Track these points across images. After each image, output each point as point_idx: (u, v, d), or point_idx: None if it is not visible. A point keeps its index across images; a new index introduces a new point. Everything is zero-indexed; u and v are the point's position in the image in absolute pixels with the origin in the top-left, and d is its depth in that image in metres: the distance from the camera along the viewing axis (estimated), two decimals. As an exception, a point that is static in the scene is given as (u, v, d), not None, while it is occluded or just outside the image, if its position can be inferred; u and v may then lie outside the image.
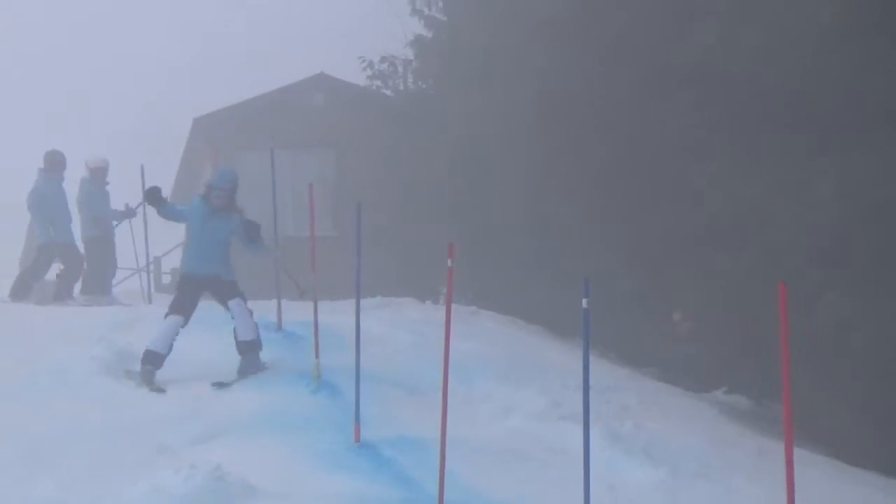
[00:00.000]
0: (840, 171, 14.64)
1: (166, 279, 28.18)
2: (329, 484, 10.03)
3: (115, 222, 19.58)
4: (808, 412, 12.47)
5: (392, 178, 25.06)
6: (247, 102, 29.69)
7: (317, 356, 13.42)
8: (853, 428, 14.46)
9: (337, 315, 14.26)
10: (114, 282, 20.08)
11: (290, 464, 10.42)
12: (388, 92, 27.92)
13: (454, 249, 9.99)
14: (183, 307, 12.99)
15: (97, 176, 19.33)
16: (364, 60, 27.69)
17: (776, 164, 15.51)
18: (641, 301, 18.05)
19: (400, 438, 11.28)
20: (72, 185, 19.26)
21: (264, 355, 13.56)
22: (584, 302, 8.40)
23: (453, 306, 10.15)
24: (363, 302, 12.06)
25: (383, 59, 27.67)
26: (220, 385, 12.83)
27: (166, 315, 13.01)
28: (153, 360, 12.74)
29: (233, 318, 13.14)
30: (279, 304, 15.82)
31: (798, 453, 7.57)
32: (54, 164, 19.02)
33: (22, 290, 18.88)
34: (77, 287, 19.17)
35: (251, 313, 13.35)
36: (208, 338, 13.58)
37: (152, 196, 13.24)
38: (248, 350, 13.13)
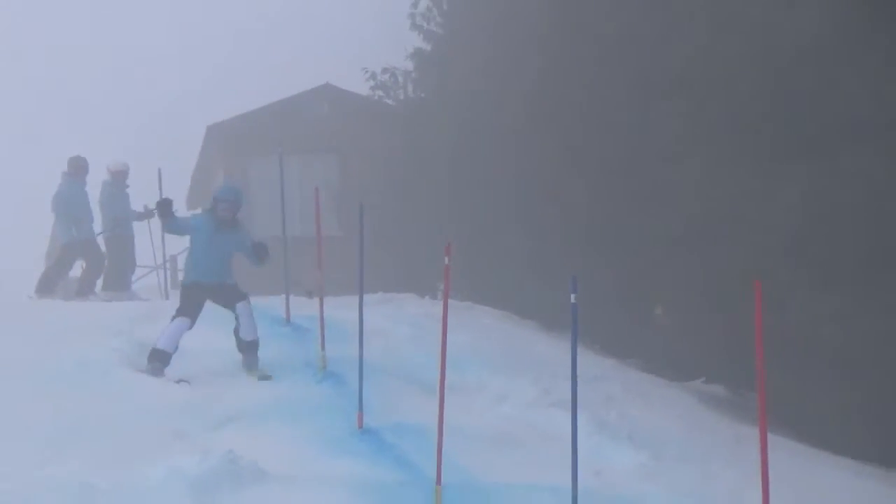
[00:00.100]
0: (807, 176, 14.67)
1: (181, 276, 28.16)
2: (334, 467, 10.03)
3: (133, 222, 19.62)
4: (782, 401, 12.46)
5: (393, 181, 25.05)
6: (257, 111, 29.66)
7: (322, 348, 13.46)
8: (825, 415, 14.47)
9: (341, 310, 14.25)
10: (133, 278, 20.08)
11: (298, 448, 10.43)
12: (389, 101, 27.92)
13: (451, 249, 10.00)
14: (189, 311, 13.00)
15: (118, 179, 19.39)
16: (367, 72, 27.74)
17: (749, 170, 15.53)
18: (625, 297, 18.03)
19: (400, 425, 11.26)
20: (93, 187, 19.29)
21: (274, 347, 13.57)
22: (572, 297, 8.41)
23: (450, 301, 10.16)
24: (366, 297, 12.06)
25: (385, 71, 27.70)
26: (266, 378, 12.92)
27: (173, 318, 13.00)
28: (161, 357, 12.75)
29: (237, 318, 13.13)
30: (287, 299, 15.83)
31: (772, 439, 7.58)
32: (77, 168, 19.06)
33: (47, 286, 18.91)
34: (99, 283, 19.20)
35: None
36: (219, 334, 13.56)
37: (163, 209, 13.21)
38: (251, 349, 13.15)
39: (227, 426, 10.96)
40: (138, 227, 19.83)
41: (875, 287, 14.08)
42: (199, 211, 31.13)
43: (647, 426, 12.48)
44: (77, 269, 19.40)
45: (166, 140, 39.38)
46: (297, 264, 14.84)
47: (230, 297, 13.18)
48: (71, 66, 54.42)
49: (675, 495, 10.13)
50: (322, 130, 28.22)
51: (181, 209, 30.88)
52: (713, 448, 12.52)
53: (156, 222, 19.77)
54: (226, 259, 13.31)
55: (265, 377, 12.93)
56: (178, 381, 12.59)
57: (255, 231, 14.01)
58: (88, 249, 19.06)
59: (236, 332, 13.17)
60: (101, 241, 19.16)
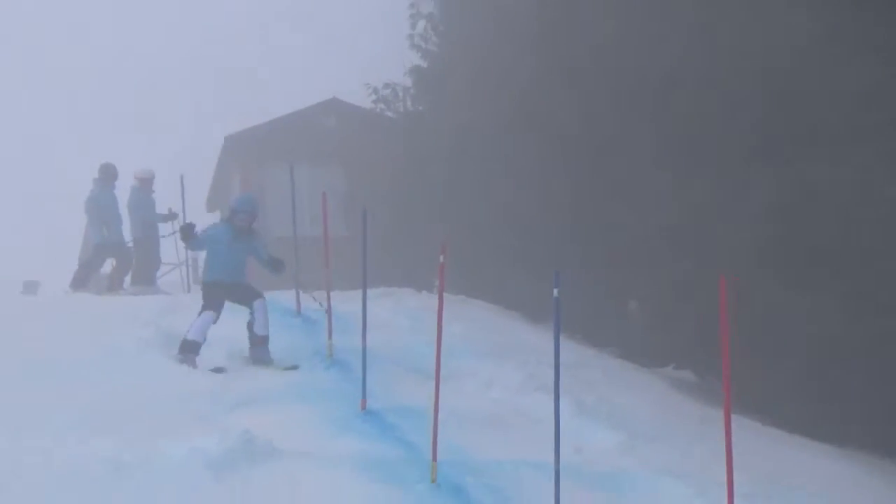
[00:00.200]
0: (770, 184, 14.71)
1: (202, 273, 28.12)
2: (340, 445, 10.02)
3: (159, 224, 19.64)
4: (745, 385, 12.46)
5: (393, 187, 25.04)
6: (270, 122, 29.63)
7: (330, 338, 13.47)
8: (784, 399, 14.50)
9: (346, 303, 14.26)
10: (158, 274, 20.07)
11: (308, 428, 10.42)
12: (390, 114, 27.88)
13: (446, 248, 10.01)
14: (213, 305, 13.00)
15: (145, 185, 19.40)
16: (370, 87, 27.71)
17: (716, 178, 15.59)
18: (603, 291, 18.05)
19: (400, 407, 11.26)
20: (122, 192, 19.32)
21: (286, 337, 13.57)
22: (555, 292, 8.41)
23: (445, 295, 10.16)
24: (369, 292, 12.02)
25: (386, 86, 27.68)
26: (293, 368, 12.90)
27: (200, 312, 13.01)
28: (192, 347, 12.74)
29: (252, 314, 13.13)
30: (298, 294, 15.83)
31: (735, 420, 7.59)
32: (108, 175, 19.04)
33: (81, 282, 18.91)
34: (127, 279, 19.20)
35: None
36: (235, 327, 13.55)
37: (186, 232, 13.22)
38: (262, 343, 13.13)
39: (243, 408, 10.95)
40: (162, 228, 19.83)
41: (832, 284, 14.12)
42: (216, 216, 31.35)
43: (623, 408, 12.50)
44: (107, 267, 19.39)
45: (187, 148, 39.31)
46: (308, 261, 14.80)
47: (247, 295, 13.18)
48: (105, 80, 54.40)
49: (648, 470, 10.13)
50: (329, 140, 28.18)
51: (201, 210, 31.08)
52: (683, 428, 12.54)
53: (178, 224, 19.84)
54: (242, 263, 13.33)
55: (291, 368, 12.93)
56: (215, 369, 12.59)
57: (270, 231, 14.01)
58: (118, 249, 19.08)
59: (250, 326, 13.15)
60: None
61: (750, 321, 13.57)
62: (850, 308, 13.88)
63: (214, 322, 12.96)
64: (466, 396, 11.95)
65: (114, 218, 18.99)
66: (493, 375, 12.95)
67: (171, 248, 20.59)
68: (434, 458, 9.28)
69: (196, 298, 14.11)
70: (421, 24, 26.18)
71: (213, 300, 13.04)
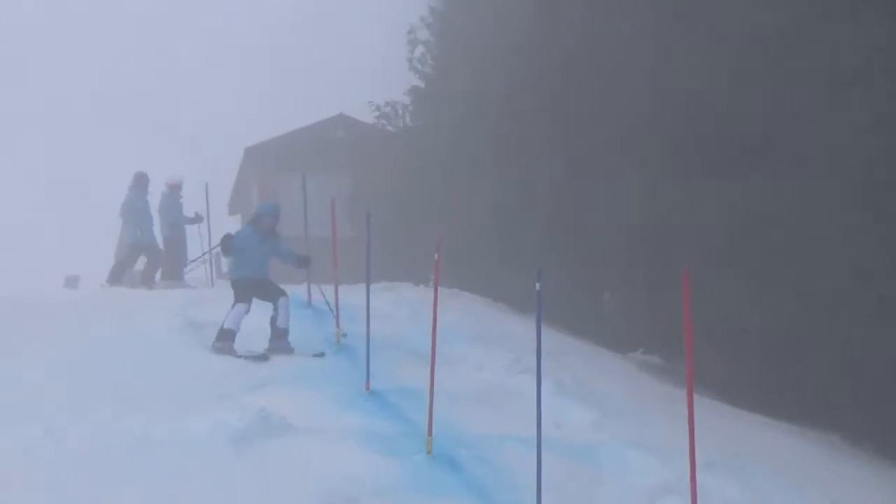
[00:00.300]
0: (725, 191, 14.76)
1: (225, 269, 28.08)
2: (346, 421, 10.04)
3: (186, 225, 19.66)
4: (706, 368, 12.50)
5: (394, 193, 25.04)
6: (284, 135, 29.62)
7: (337, 326, 13.48)
8: (742, 380, 14.52)
9: (352, 295, 14.25)
10: (185, 270, 20.07)
11: (317, 406, 10.42)
12: (391, 128, 27.86)
13: (440, 246, 10.03)
14: (245, 298, 12.96)
15: (174, 190, 19.42)
16: (373, 104, 27.68)
17: (678, 186, 15.65)
18: (580, 285, 18.08)
19: (399, 388, 11.27)
20: (154, 197, 19.36)
21: (298, 326, 13.55)
22: (538, 286, 8.43)
23: (440, 289, 10.17)
24: (372, 286, 12.06)
25: (387, 104, 27.66)
26: (320, 355, 12.88)
27: (234, 305, 12.97)
28: (228, 336, 12.70)
29: (276, 309, 13.09)
30: (309, 287, 15.83)
31: (697, 399, 7.60)
32: (140, 182, 19.08)
33: (117, 277, 18.93)
34: (158, 275, 19.20)
35: None
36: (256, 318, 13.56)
37: (226, 245, 13.20)
38: (283, 336, 13.08)
39: (260, 389, 10.94)
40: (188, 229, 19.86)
41: (782, 279, 14.15)
42: (237, 219, 31.36)
43: (597, 388, 12.50)
44: (140, 264, 19.39)
45: (210, 158, 39.24)
46: (318, 259, 14.78)
47: (273, 293, 13.15)
48: (143, 99, 54.28)
49: (619, 443, 10.14)
50: (337, 151, 28.13)
51: (223, 214, 31.07)
52: (650, 405, 12.56)
53: (203, 226, 19.85)
54: (266, 261, 13.32)
55: (319, 355, 12.91)
56: (256, 357, 12.57)
57: (284, 231, 13.96)
58: (149, 248, 19.11)
59: (273, 320, 13.10)
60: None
61: (710, 311, 13.60)
62: (799, 299, 13.90)
63: (247, 313, 12.93)
64: (459, 378, 11.96)
65: (146, 220, 19.03)
66: (483, 360, 12.96)
67: (196, 246, 20.56)
68: (430, 433, 9.31)
69: (219, 292, 14.13)
70: (418, 49, 26.20)
71: (244, 294, 13.03)
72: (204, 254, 20.29)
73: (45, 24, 56.95)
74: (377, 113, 27.83)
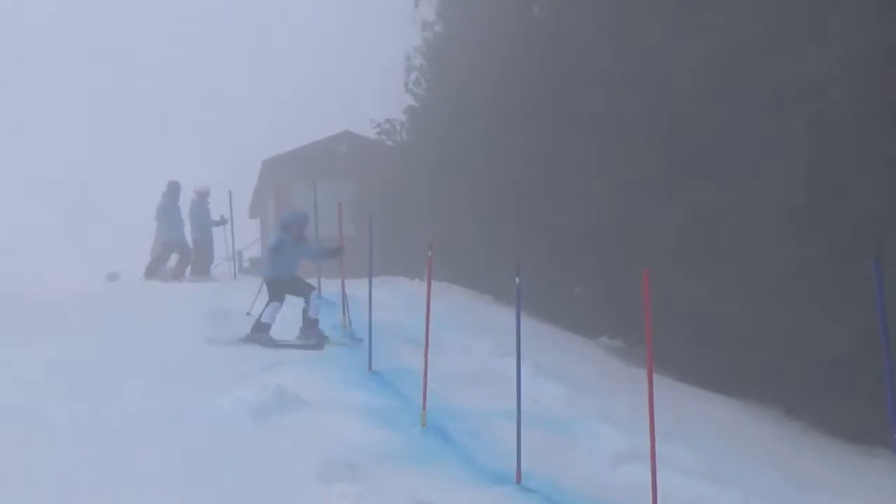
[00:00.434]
0: (684, 194, 14.74)
1: (246, 265, 28.05)
2: (352, 397, 10.03)
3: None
4: (664, 352, 12.47)
5: (392, 198, 25.10)
6: (297, 149, 29.53)
7: (344, 314, 13.48)
8: (694, 361, 14.51)
9: (356, 288, 14.22)
10: (212, 266, 20.06)
11: (327, 384, 10.42)
12: (389, 143, 27.96)
13: (433, 245, 10.03)
14: (278, 297, 12.85)
15: (202, 196, 19.44)
16: (374, 121, 27.86)
17: (640, 190, 15.65)
18: (554, 279, 18.08)
19: (398, 368, 11.28)
20: (185, 202, 19.37)
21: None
22: (517, 280, 8.42)
23: (432, 282, 10.18)
24: (374, 279, 12.06)
25: (386, 121, 27.84)
26: (359, 340, 12.80)
27: (268, 303, 12.85)
28: (265, 328, 12.61)
29: (307, 303, 12.98)
30: (319, 280, 15.77)
31: (656, 378, 7.59)
32: (173, 189, 19.18)
33: (152, 272, 18.95)
34: (188, 270, 19.22)
35: None
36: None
37: (276, 251, 13.11)
38: (314, 324, 12.96)
39: (276, 369, 10.92)
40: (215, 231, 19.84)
41: (730, 274, 14.15)
42: (256, 221, 31.30)
43: (569, 369, 12.51)
44: (172, 261, 19.41)
45: (231, 167, 39.07)
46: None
47: (303, 289, 13.07)
48: (171, 111, 53.89)
49: (588, 418, 10.14)
50: (343, 163, 28.07)
51: (245, 217, 31.00)
52: (615, 384, 12.56)
53: (227, 227, 19.81)
54: (296, 261, 13.23)
55: (358, 340, 12.84)
56: (309, 345, 12.54)
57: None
58: (180, 247, 19.18)
59: (305, 312, 12.98)
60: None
61: (668, 301, 13.59)
62: (745, 290, 13.90)
63: (279, 309, 12.86)
64: (449, 361, 11.93)
65: (177, 223, 19.11)
66: (470, 344, 12.96)
67: (221, 245, 20.51)
68: (424, 408, 9.31)
69: (243, 285, 14.09)
70: (413, 73, 26.34)
71: (277, 292, 12.94)
72: (230, 255, 20.30)
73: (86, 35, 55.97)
74: (378, 129, 28.01)
